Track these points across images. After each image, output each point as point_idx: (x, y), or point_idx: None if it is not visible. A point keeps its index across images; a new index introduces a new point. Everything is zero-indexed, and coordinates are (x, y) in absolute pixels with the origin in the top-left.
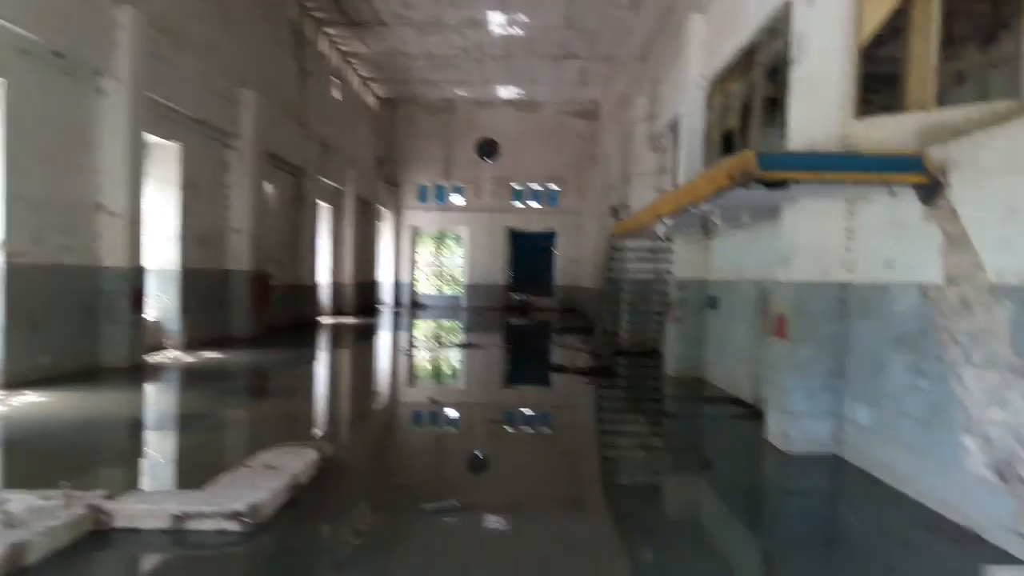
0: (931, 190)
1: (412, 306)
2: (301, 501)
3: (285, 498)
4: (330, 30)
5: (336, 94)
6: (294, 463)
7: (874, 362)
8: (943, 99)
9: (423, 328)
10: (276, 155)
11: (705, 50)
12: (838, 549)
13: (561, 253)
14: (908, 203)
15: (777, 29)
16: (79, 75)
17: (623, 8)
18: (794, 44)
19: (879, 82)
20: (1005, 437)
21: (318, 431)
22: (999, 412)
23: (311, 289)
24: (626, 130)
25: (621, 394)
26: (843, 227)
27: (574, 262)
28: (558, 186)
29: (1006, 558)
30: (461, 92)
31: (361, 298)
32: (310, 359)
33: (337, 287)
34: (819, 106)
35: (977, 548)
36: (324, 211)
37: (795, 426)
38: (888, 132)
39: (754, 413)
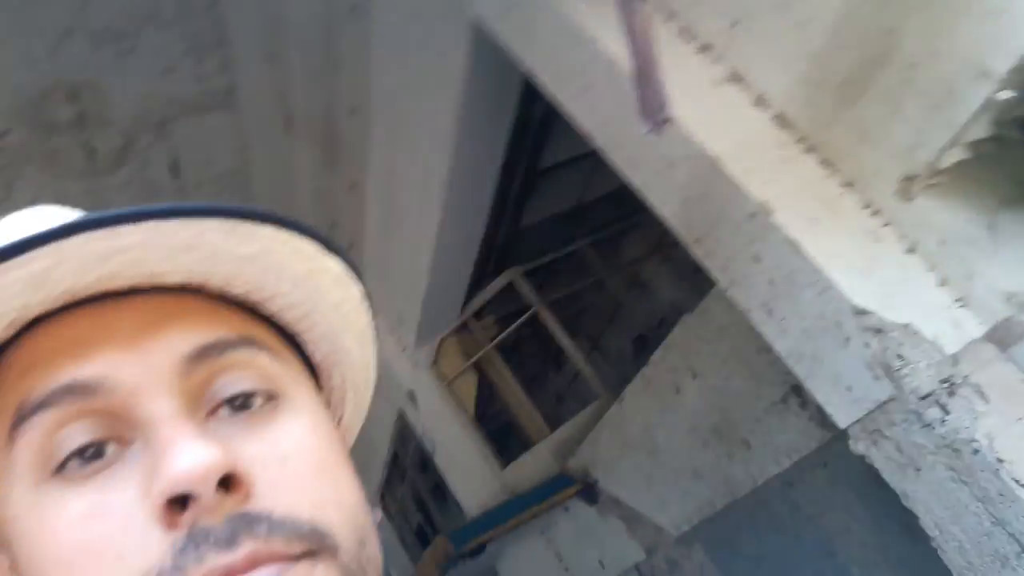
0: (590, 492)
1: None
2: None
3: None
4: None
5: None
6: None
7: None
8: (559, 420)
9: None
10: None
11: None
12: None
13: None
14: (583, 510)
15: (405, 435)
16: None
17: None
18: (424, 440)
19: (506, 433)
20: None
21: None
22: None
23: None
24: None
25: None
26: (553, 557)
27: None
28: None
29: None
30: None
31: None
32: None
33: None
34: (471, 474)
35: None
36: None
37: None
38: (532, 467)
39: None
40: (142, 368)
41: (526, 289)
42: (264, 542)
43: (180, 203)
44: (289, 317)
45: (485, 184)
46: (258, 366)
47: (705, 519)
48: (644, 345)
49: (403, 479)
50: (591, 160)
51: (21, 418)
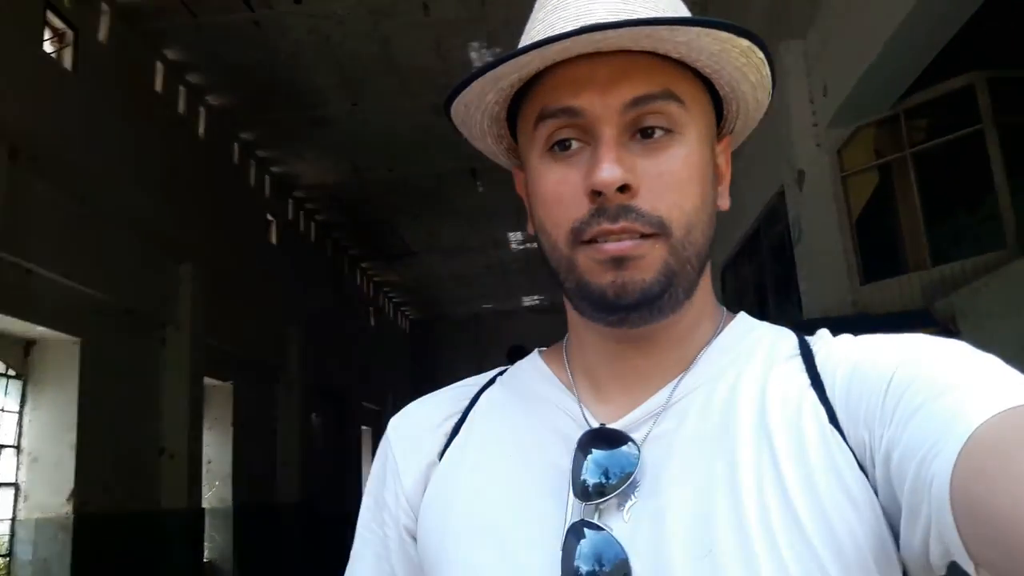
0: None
1: None
2: None
3: None
4: (364, 264)
5: (372, 322)
6: None
7: None
8: (945, 256)
9: None
10: (320, 385)
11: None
12: None
13: None
14: None
15: (776, 214)
16: (145, 327)
17: None
18: (793, 226)
19: (883, 249)
20: None
21: None
22: None
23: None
24: None
25: None
26: None
27: None
28: None
29: None
30: (487, 305)
31: None
32: None
33: None
34: (826, 277)
35: None
36: (366, 434)
37: None
38: (894, 293)
39: None
40: (603, 106)
41: (985, 100)
42: (631, 222)
43: (654, 16)
44: (705, 71)
45: None
46: (668, 112)
47: None
48: None
49: (753, 258)
50: None
51: (542, 116)
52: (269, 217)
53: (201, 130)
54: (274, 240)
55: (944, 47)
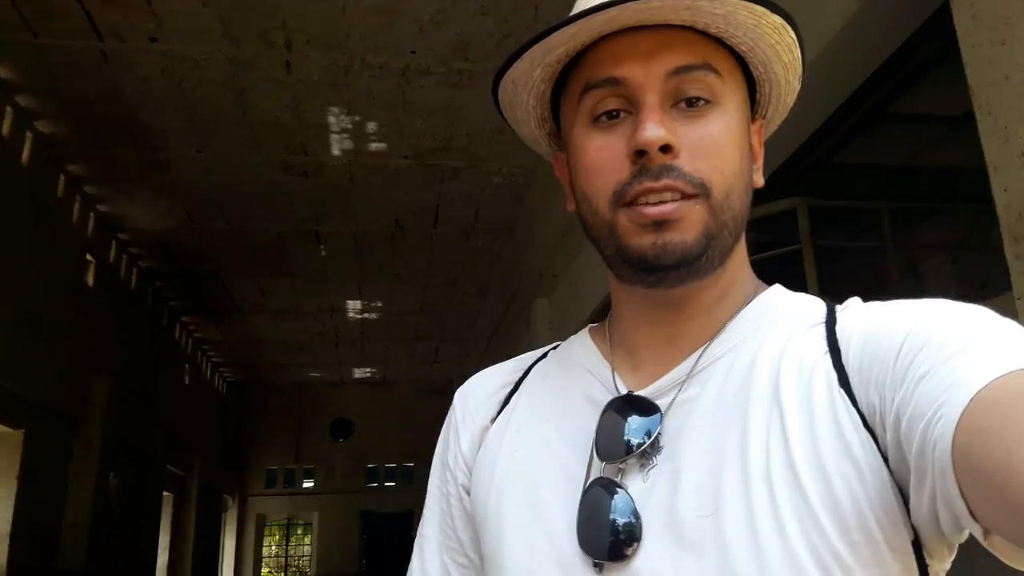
0: None
1: None
2: None
3: None
4: (186, 318)
5: (187, 380)
6: None
7: None
8: None
9: None
10: (124, 442)
11: (553, 328)
12: None
13: None
14: None
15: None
16: None
17: (472, 295)
18: None
19: None
20: None
21: None
22: None
23: None
24: None
25: None
26: None
27: None
28: (414, 463)
29: None
30: (315, 374)
31: None
32: None
33: None
34: None
35: None
36: (167, 500)
37: None
38: None
39: None
40: (645, 75)
41: (805, 224)
42: (674, 181)
43: None
44: (741, 48)
45: (827, 102)
46: (708, 83)
47: None
48: None
49: None
50: (944, 124)
51: (587, 88)
52: (88, 257)
53: (25, 156)
54: (91, 282)
55: (776, 170)
